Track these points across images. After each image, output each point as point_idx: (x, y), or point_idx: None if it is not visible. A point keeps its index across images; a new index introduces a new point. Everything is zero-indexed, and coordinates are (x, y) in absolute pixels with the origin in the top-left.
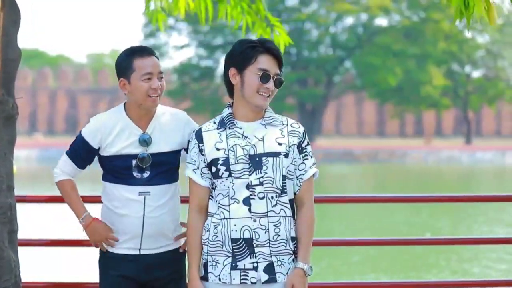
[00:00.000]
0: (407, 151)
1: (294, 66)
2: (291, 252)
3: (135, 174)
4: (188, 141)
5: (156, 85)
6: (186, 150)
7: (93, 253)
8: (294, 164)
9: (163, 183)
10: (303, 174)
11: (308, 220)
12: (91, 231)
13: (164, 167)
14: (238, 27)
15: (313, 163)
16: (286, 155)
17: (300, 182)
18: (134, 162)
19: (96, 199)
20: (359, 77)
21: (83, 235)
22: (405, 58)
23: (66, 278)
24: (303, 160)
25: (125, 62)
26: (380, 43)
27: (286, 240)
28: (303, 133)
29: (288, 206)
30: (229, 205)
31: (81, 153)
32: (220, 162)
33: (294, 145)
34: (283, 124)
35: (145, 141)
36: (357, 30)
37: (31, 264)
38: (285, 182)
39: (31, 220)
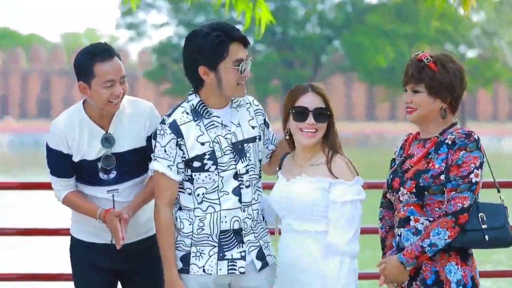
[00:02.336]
0: (398, 135)
1: (279, 46)
2: (267, 228)
3: (101, 176)
4: (154, 133)
5: (118, 92)
6: (148, 140)
7: (68, 243)
8: (266, 143)
9: (131, 179)
10: (275, 138)
11: None
12: (108, 224)
13: (130, 165)
14: (220, 4)
15: None
16: (260, 138)
17: (274, 142)
18: (99, 165)
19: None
20: (348, 58)
21: (57, 224)
22: (396, 37)
23: (40, 269)
24: (268, 129)
25: (85, 66)
26: (370, 22)
27: (260, 222)
28: (262, 107)
29: (261, 189)
30: (219, 198)
31: (61, 165)
32: (207, 156)
33: (262, 124)
34: (247, 103)
35: (107, 142)
36: (346, 8)
37: (2, 254)
38: (260, 167)
39: (2, 208)
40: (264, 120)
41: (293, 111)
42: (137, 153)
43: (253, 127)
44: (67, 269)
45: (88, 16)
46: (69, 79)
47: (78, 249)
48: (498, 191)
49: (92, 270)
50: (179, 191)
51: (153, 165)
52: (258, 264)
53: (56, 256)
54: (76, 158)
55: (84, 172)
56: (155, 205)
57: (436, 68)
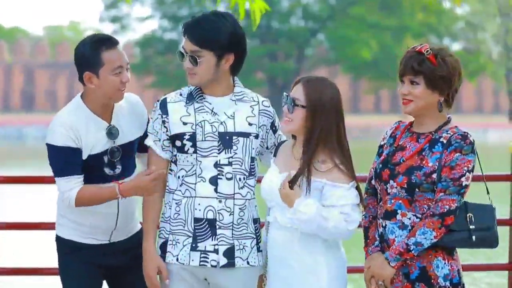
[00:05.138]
0: (383, 128)
1: (263, 39)
2: (254, 235)
3: (107, 171)
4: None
5: (127, 79)
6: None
7: (53, 237)
8: (263, 144)
9: (131, 173)
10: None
11: None
12: (135, 189)
13: (131, 157)
14: None
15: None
16: (256, 136)
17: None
18: (105, 159)
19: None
20: (332, 51)
21: (40, 218)
22: (381, 30)
23: (25, 263)
24: (275, 134)
25: (92, 55)
26: (354, 15)
27: (247, 223)
28: (273, 112)
29: (254, 188)
30: (195, 184)
31: (73, 161)
32: (186, 137)
33: (264, 125)
34: (254, 101)
35: (112, 134)
36: (330, 0)
37: None
38: (253, 164)
39: None
40: (272, 123)
41: None
42: (136, 144)
43: (250, 124)
44: (52, 263)
45: (71, 9)
46: (52, 72)
47: (69, 248)
48: (488, 193)
49: (81, 267)
50: (169, 173)
51: (147, 139)
52: (223, 260)
53: (38, 250)
54: (84, 155)
55: (89, 170)
56: None
57: (436, 61)
